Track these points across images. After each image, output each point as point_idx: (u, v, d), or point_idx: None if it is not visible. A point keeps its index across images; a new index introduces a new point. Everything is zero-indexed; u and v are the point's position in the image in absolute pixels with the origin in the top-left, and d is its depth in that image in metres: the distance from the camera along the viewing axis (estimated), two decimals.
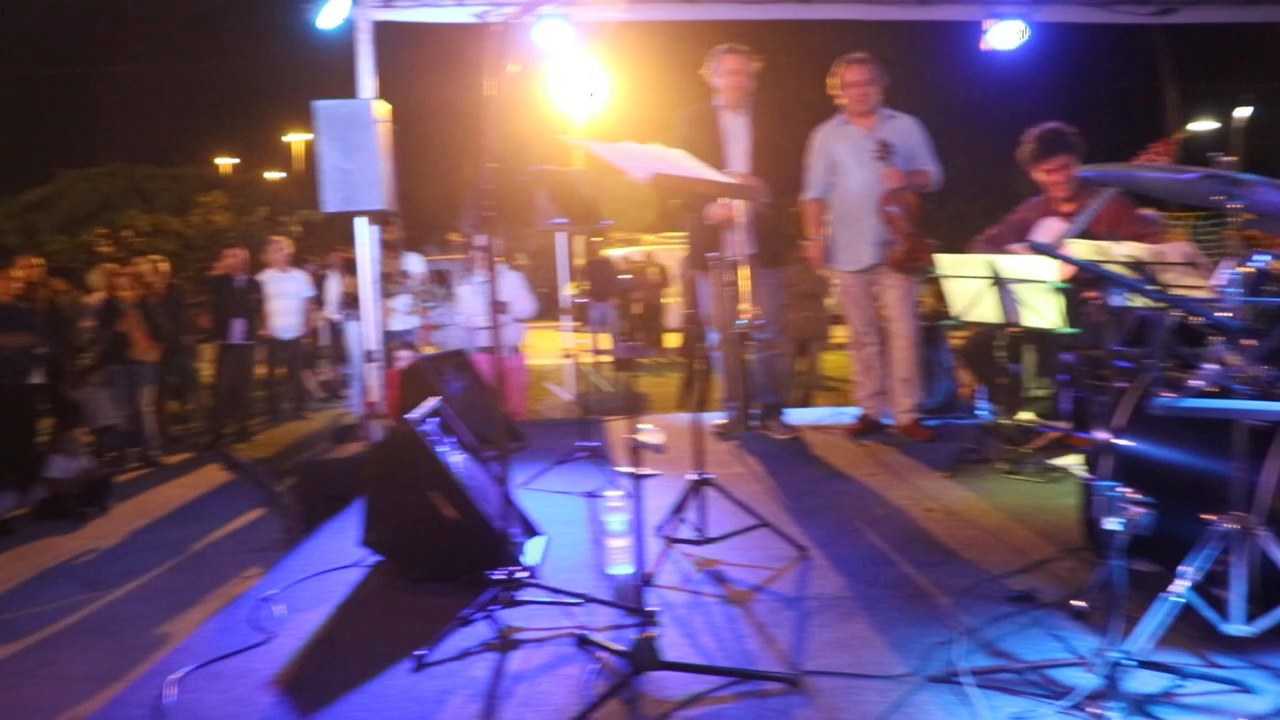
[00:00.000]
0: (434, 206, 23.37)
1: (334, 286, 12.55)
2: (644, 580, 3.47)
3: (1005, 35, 8.14)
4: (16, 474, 8.93)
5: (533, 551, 4.43)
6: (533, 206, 7.31)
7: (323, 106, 7.39)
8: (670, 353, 17.84)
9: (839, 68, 6.95)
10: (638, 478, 3.47)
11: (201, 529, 8.37)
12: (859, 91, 6.86)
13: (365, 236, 8.00)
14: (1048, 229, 6.05)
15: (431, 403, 4.46)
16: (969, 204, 23.32)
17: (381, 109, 7.57)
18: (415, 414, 4.20)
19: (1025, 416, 6.17)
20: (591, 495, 5.59)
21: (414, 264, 11.44)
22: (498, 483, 4.19)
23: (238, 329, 11.45)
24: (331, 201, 7.39)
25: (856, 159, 6.84)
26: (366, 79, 7.95)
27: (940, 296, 6.40)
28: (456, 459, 4.24)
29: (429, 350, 10.84)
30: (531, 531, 4.59)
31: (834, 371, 12.70)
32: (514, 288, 9.76)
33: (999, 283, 5.46)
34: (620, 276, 18.42)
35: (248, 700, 3.28)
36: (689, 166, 4.49)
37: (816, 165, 7.00)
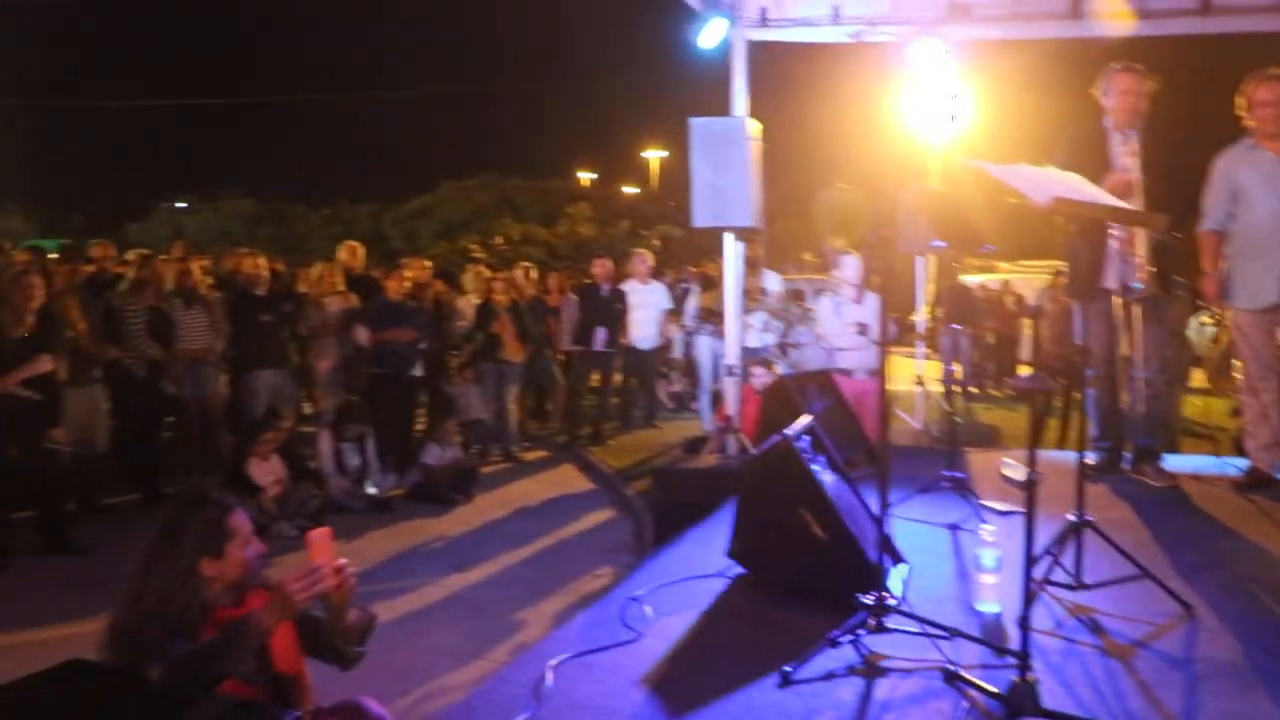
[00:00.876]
0: (789, 225, 23.51)
1: (691, 300, 12.84)
2: (1022, 622, 3.29)
3: None
4: (397, 457, 9.66)
5: (896, 579, 4.32)
6: (903, 228, 7.16)
7: (698, 123, 7.56)
8: (1022, 385, 17.08)
9: (1248, 86, 6.35)
10: (1008, 513, 3.29)
11: (555, 524, 8.74)
12: (1271, 112, 6.24)
13: (732, 252, 8.12)
14: None
15: (805, 420, 4.43)
16: None
17: (754, 127, 7.66)
18: (791, 430, 4.19)
19: None
20: (954, 527, 5.39)
21: (772, 282, 11.51)
22: (865, 506, 4.12)
23: (600, 336, 11.89)
24: (702, 216, 7.54)
25: (1267, 187, 6.23)
26: (740, 97, 8.07)
27: None
28: (827, 478, 4.20)
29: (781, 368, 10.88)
30: (896, 558, 4.47)
31: (1199, 416, 11.73)
32: (874, 311, 9.61)
33: None
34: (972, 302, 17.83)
35: (619, 694, 3.36)
36: (1086, 191, 4.25)
37: (1217, 194, 6.43)
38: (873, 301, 9.14)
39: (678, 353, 14.01)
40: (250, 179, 38.04)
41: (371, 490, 9.14)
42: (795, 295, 12.92)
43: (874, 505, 4.47)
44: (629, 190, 39.80)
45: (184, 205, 41.53)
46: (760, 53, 8.25)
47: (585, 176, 43.35)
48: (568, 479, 10.63)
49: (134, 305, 8.77)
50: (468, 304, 11.54)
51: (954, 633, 3.67)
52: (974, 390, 17.43)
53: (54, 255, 11.17)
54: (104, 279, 9.27)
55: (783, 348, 11.14)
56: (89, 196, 48.29)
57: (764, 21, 8.17)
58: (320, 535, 3.02)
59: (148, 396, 8.88)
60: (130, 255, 10.59)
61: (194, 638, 3.01)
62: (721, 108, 8.04)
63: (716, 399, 11.44)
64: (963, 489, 6.13)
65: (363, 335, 9.83)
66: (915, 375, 10.67)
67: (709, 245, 13.88)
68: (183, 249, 10.21)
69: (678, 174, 37.32)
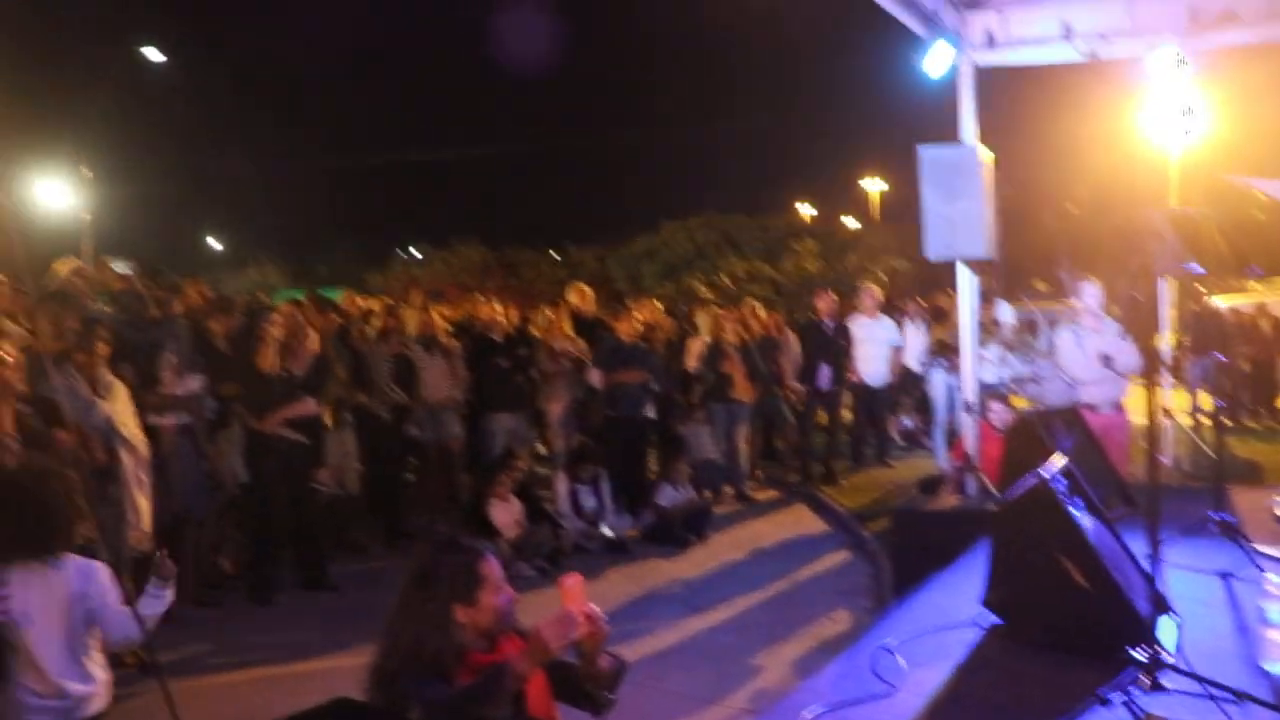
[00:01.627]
0: (1020, 252, 22.73)
1: (916, 335, 12.51)
2: None
3: None
4: (630, 498, 9.74)
5: (1168, 633, 4.03)
6: (1144, 251, 6.78)
7: (927, 153, 7.36)
8: None
9: None
10: None
11: (789, 566, 8.61)
12: None
13: (965, 284, 7.87)
14: None
15: (1060, 461, 4.21)
16: None
17: (985, 155, 7.42)
18: (1045, 471, 3.98)
19: None
20: (1227, 575, 5.00)
21: (1005, 313, 11.11)
22: (1128, 551, 3.86)
23: (824, 373, 11.70)
24: (935, 248, 7.33)
25: None
26: (968, 123, 7.83)
27: None
28: (1087, 522, 3.96)
29: (1020, 403, 10.45)
30: (1165, 609, 4.17)
31: None
32: (1116, 340, 9.13)
33: None
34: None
35: None
36: None
37: None
38: (1114, 330, 8.70)
39: (908, 388, 13.65)
40: (480, 226, 39.58)
41: (607, 531, 9.23)
42: (1029, 326, 12.41)
43: (1138, 550, 4.22)
44: (850, 223, 39.39)
45: (418, 254, 43.55)
46: (983, 72, 8.01)
47: (805, 211, 43.16)
48: (801, 519, 10.48)
49: (380, 352, 9.17)
50: (698, 344, 11.57)
51: (1243, 696, 3.37)
52: (1228, 422, 16.32)
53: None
54: (350, 327, 9.74)
55: (1019, 381, 10.72)
56: (331, 247, 51.38)
57: (991, 44, 7.93)
58: (573, 582, 3.05)
59: (393, 440, 9.25)
60: (374, 304, 11.11)
61: (450, 681, 3.07)
62: (942, 131, 7.82)
63: (951, 436, 11.11)
64: (1232, 532, 5.70)
65: (595, 377, 9.99)
66: (1161, 407, 10.06)
67: (938, 276, 13.52)
68: (422, 297, 10.62)
69: (899, 204, 36.74)
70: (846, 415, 12.84)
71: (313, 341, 7.85)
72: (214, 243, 52.83)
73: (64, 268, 8.17)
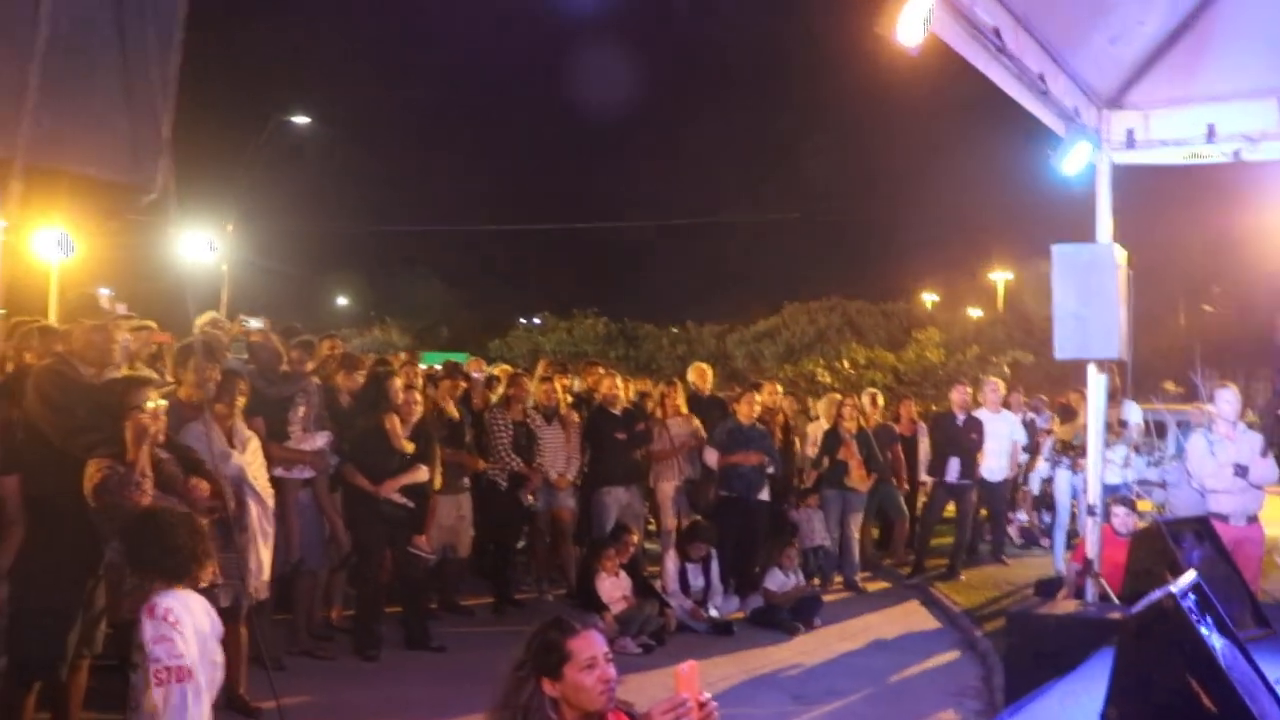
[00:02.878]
0: (1150, 352, 22.17)
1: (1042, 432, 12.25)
2: None
3: None
4: (739, 580, 9.68)
5: None
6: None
7: (1062, 251, 7.26)
8: None
9: None
10: None
11: (898, 661, 8.44)
12: None
13: (1095, 384, 7.71)
14: None
15: (1190, 575, 4.08)
16: None
17: (1120, 254, 7.30)
18: (1175, 587, 3.86)
19: None
20: None
21: (1132, 413, 10.84)
22: (1263, 677, 3.71)
23: (954, 467, 11.49)
24: (1065, 348, 7.20)
25: None
26: (1104, 222, 7.72)
27: None
28: (1218, 642, 3.82)
29: (1146, 507, 10.15)
30: None
31: None
32: (1253, 451, 8.82)
33: None
34: None
35: None
36: None
37: None
38: (1253, 441, 8.41)
39: (1031, 485, 13.32)
40: (601, 298, 39.99)
41: (714, 612, 9.17)
42: (1157, 428, 12.06)
43: (1272, 674, 4.05)
44: (974, 313, 38.86)
45: (539, 322, 44.16)
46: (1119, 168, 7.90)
47: (928, 299, 42.68)
48: (911, 614, 10.26)
49: (501, 419, 9.32)
50: (815, 429, 11.50)
51: None
52: None
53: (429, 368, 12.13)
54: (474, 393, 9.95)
55: (1145, 485, 10.42)
56: (453, 312, 52.58)
57: (1131, 144, 7.82)
58: (688, 668, 3.05)
59: (508, 507, 9.36)
60: (498, 371, 11.32)
61: None
62: (1075, 224, 7.70)
63: (1072, 537, 10.81)
64: None
65: (711, 458, 10.00)
66: None
67: (1061, 372, 13.22)
68: (547, 367, 10.79)
69: (1024, 295, 36.10)
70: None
71: (419, 407, 7.99)
72: (342, 301, 54.54)
73: (202, 320, 8.54)
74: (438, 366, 12.17)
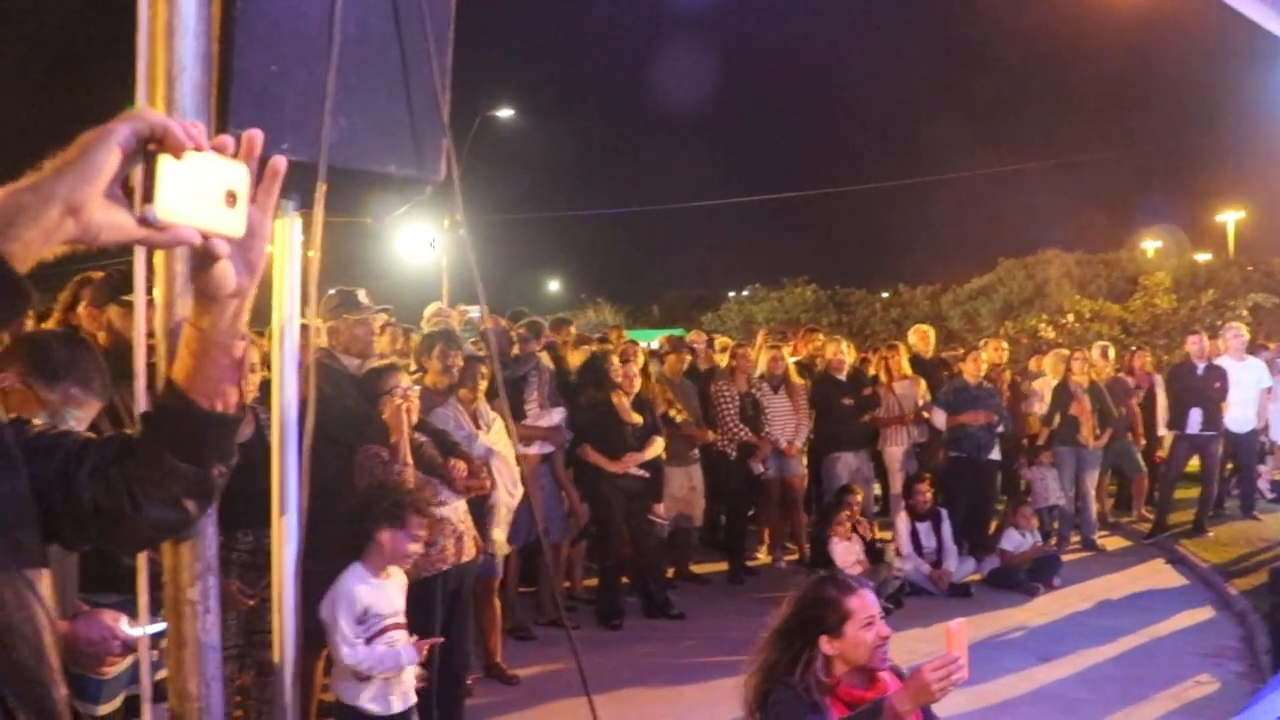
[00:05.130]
0: None
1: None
2: None
3: None
4: (973, 542, 9.57)
5: None
6: None
7: None
8: None
9: None
10: None
11: (1144, 621, 8.19)
12: None
13: None
14: None
15: None
16: None
17: None
18: None
19: None
20: None
21: None
22: None
23: (1195, 418, 10.99)
24: None
25: None
26: None
27: None
28: None
29: None
30: None
31: None
32: None
33: None
34: None
35: None
36: None
37: None
38: None
39: (1276, 435, 12.62)
40: (811, 266, 39.85)
41: (949, 573, 9.10)
42: None
43: None
44: (1201, 257, 36.74)
45: (747, 294, 44.19)
46: None
47: (1150, 246, 40.62)
48: (1156, 573, 9.91)
49: (728, 391, 9.48)
50: (1044, 385, 11.23)
51: None
52: None
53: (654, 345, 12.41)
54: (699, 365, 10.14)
55: None
56: (663, 288, 53.16)
57: None
58: (958, 626, 3.08)
59: (738, 477, 9.51)
60: (723, 343, 11.49)
61: (822, 712, 3.20)
62: None
63: None
64: None
65: (939, 418, 9.91)
66: None
67: None
68: (767, 336, 10.89)
69: (1259, 235, 33.95)
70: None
71: (639, 380, 8.22)
72: (554, 286, 55.92)
73: (430, 310, 9.00)
74: (653, 344, 12.47)
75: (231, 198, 1.27)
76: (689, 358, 9.76)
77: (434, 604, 5.00)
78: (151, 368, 1.89)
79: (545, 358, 8.24)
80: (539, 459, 7.75)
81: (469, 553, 5.24)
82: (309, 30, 2.03)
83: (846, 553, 8.61)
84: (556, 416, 7.84)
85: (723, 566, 9.71)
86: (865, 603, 3.34)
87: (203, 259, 1.34)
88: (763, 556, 10.32)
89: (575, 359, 8.55)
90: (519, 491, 6.30)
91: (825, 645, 3.28)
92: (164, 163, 1.19)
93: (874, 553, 8.83)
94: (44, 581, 1.52)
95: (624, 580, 8.36)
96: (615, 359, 8.24)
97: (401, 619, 4.32)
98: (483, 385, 6.34)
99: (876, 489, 11.13)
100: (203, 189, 1.23)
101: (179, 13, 1.87)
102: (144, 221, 1.19)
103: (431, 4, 2.21)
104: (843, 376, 9.98)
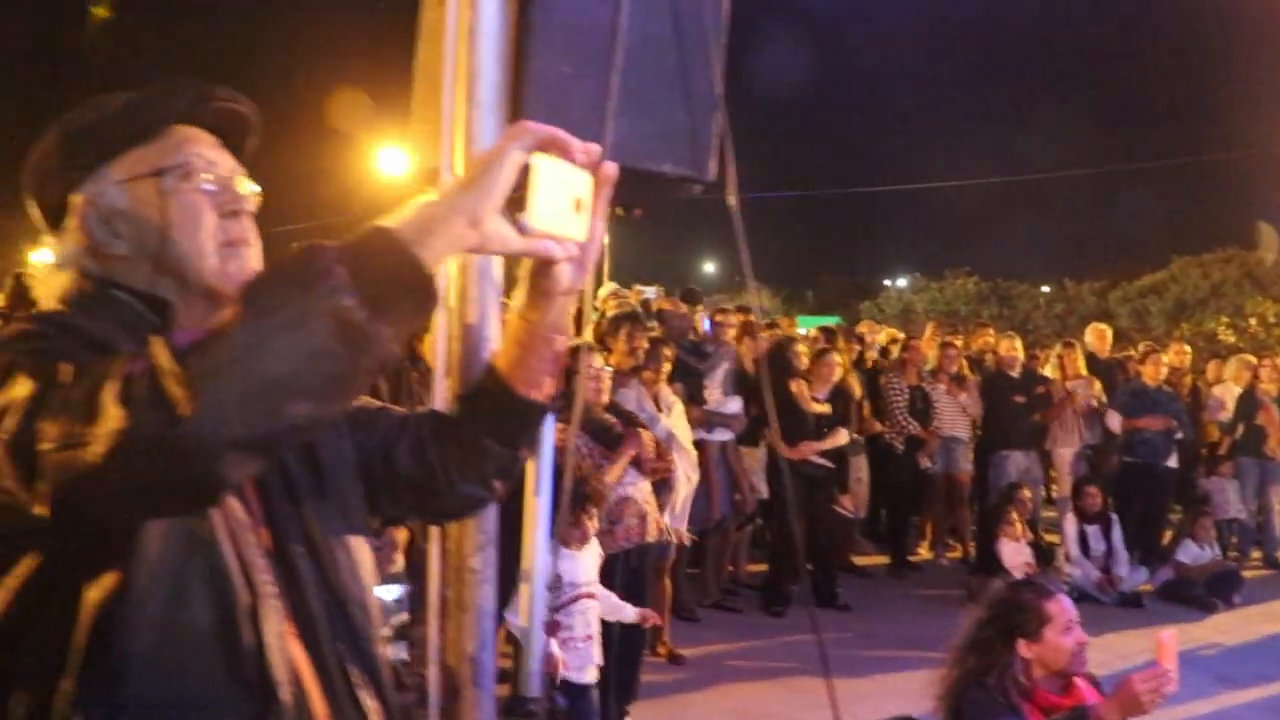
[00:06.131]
0: None
1: None
2: None
3: None
4: (1146, 551, 9.27)
5: None
6: None
7: None
8: None
9: None
10: None
11: None
12: None
13: None
14: None
15: None
16: None
17: None
18: None
19: None
20: None
21: None
22: None
23: None
24: None
25: None
26: None
27: None
28: None
29: None
30: None
31: None
32: None
33: None
34: None
35: None
36: None
37: None
38: None
39: None
40: (973, 257, 38.96)
41: (1120, 581, 8.84)
42: None
43: None
44: None
45: (903, 284, 43.53)
46: None
47: None
48: None
49: (897, 383, 9.39)
50: (1226, 391, 10.80)
51: None
52: None
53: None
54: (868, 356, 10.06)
55: None
56: (817, 272, 52.67)
57: None
58: (1169, 637, 3.03)
59: (905, 470, 9.42)
60: (892, 334, 11.37)
61: (1020, 715, 3.17)
62: None
63: None
64: None
65: (1115, 421, 9.62)
66: None
67: None
68: (934, 330, 10.73)
69: None
70: None
71: (836, 370, 8.20)
72: (709, 268, 55.86)
73: (605, 291, 9.11)
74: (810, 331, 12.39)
75: (579, 204, 1.35)
76: (858, 348, 9.69)
77: (613, 581, 5.10)
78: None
79: (744, 349, 8.32)
80: (718, 445, 7.80)
81: (651, 533, 5.34)
82: (597, 34, 2.13)
83: (1015, 554, 8.43)
84: (735, 404, 7.88)
85: (883, 559, 9.64)
86: (1064, 607, 3.30)
87: (546, 260, 1.42)
88: (924, 552, 10.20)
89: (745, 349, 8.56)
90: (695, 476, 6.36)
91: (1023, 649, 3.26)
92: (537, 174, 1.28)
93: (1043, 555, 8.64)
94: (366, 547, 1.62)
95: (795, 568, 8.38)
96: (800, 346, 8.26)
97: (594, 589, 4.44)
98: (666, 369, 6.42)
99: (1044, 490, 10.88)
100: (561, 197, 1.32)
101: (480, 16, 1.98)
102: (521, 231, 1.28)
103: (709, 7, 2.29)
104: (1015, 373, 9.77)
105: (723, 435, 7.80)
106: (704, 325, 10.02)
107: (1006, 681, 3.24)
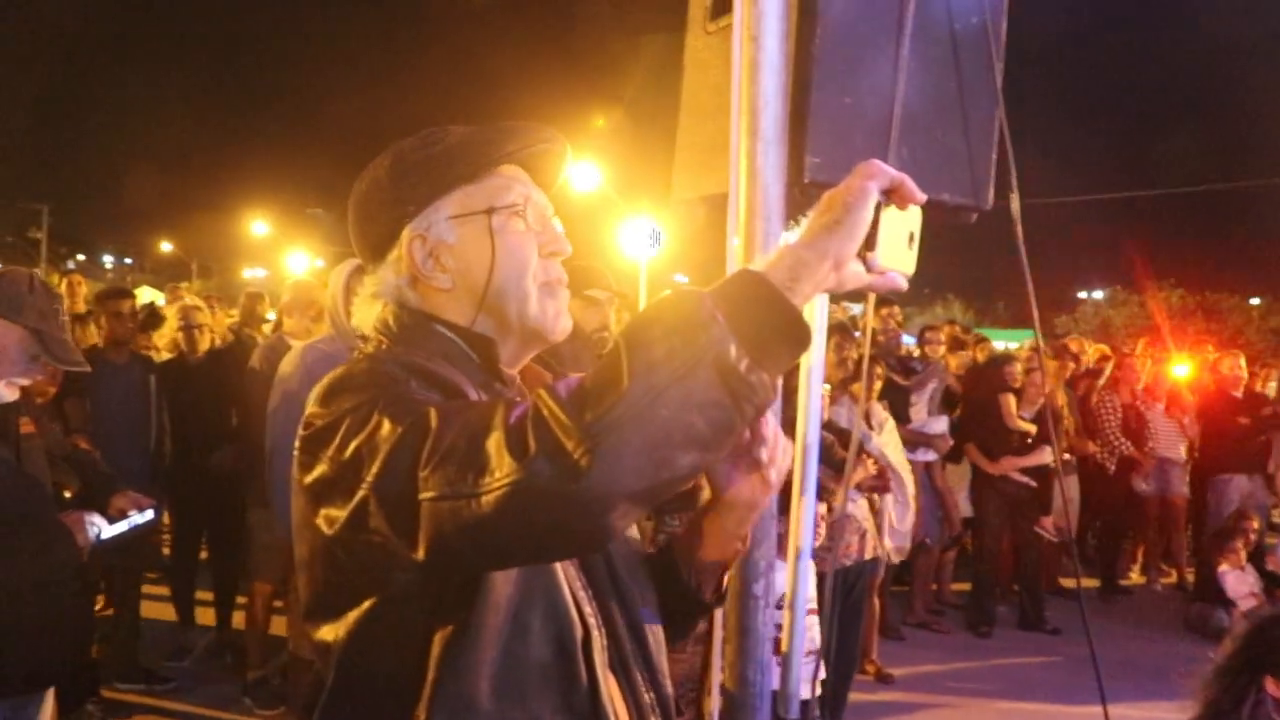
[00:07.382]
0: None
1: None
2: None
3: None
4: None
5: None
6: None
7: None
8: None
9: None
10: None
11: None
12: None
13: None
14: None
15: None
16: None
17: None
18: None
19: None
20: None
21: None
22: None
23: None
24: None
25: None
26: None
27: None
28: None
29: None
30: None
31: None
32: None
33: None
34: None
35: None
36: None
37: None
38: None
39: None
40: (1178, 270, 37.20)
41: None
42: None
43: None
44: None
45: (1099, 295, 41.86)
46: None
47: None
48: None
49: (1110, 402, 9.08)
50: None
51: None
52: None
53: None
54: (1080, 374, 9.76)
55: None
56: (1008, 284, 50.91)
57: None
58: None
59: (1116, 491, 9.11)
60: (1104, 351, 10.99)
61: None
62: None
63: None
64: None
65: None
66: None
67: None
68: (1148, 347, 10.33)
69: None
70: None
71: (1043, 389, 7.99)
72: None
73: None
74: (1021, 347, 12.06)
75: (912, 238, 1.38)
76: (1072, 366, 9.42)
77: (832, 598, 5.09)
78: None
79: (953, 362, 8.19)
80: (921, 467, 7.71)
81: (869, 551, 5.32)
82: (878, 63, 2.15)
83: (1239, 582, 8.04)
84: (940, 425, 7.77)
85: (1092, 582, 9.33)
86: None
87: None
88: (1135, 576, 9.83)
89: (954, 363, 8.44)
90: (913, 495, 6.30)
91: (1272, 687, 3.12)
92: (886, 213, 1.31)
93: (1273, 582, 8.22)
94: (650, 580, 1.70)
95: (1000, 589, 8.22)
96: (1017, 365, 8.10)
97: (812, 604, 4.44)
98: (877, 386, 6.36)
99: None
100: (900, 232, 1.35)
101: (762, 50, 2.03)
102: (869, 268, 1.32)
103: (990, 32, 2.28)
104: (1238, 393, 9.33)
105: (926, 455, 7.69)
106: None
107: (1258, 718, 3.11)
